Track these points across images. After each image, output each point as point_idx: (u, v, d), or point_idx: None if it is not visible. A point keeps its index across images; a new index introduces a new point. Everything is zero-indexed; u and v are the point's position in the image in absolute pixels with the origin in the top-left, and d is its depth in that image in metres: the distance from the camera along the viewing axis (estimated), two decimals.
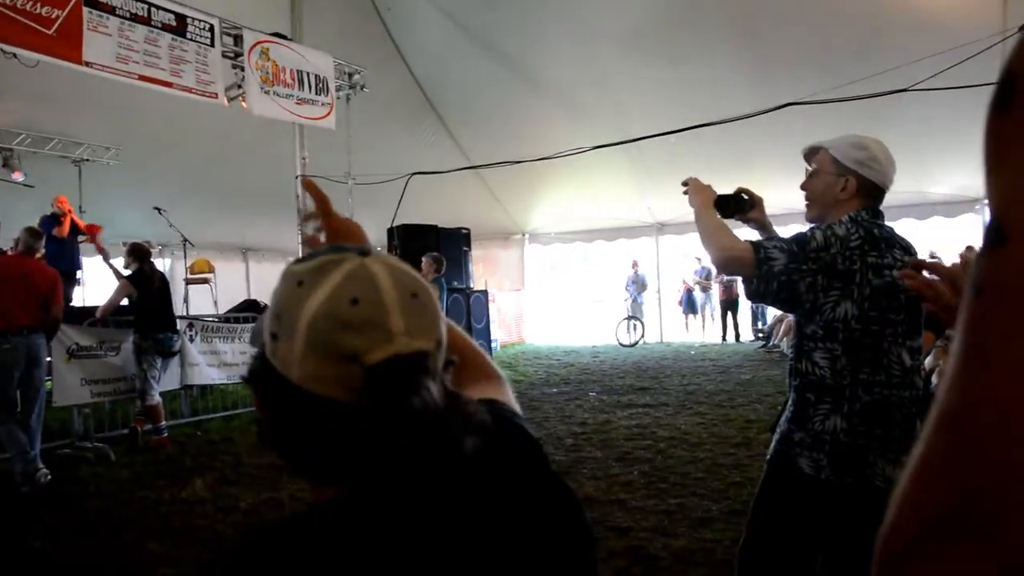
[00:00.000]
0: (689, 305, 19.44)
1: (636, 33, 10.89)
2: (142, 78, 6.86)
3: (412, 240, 12.66)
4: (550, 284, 20.80)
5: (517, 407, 1.13)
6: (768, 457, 2.46)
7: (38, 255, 6.69)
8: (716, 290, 17.69)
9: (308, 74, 8.75)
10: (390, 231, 12.87)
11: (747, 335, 16.87)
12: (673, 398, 9.44)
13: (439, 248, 12.12)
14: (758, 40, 10.50)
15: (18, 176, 11.11)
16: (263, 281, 16.87)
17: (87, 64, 6.38)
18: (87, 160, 12.09)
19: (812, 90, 8.18)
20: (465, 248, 14.77)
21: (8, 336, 6.05)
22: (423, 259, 10.05)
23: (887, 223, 2.39)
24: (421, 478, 0.76)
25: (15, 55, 6.25)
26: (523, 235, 18.53)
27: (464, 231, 14.81)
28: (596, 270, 23.60)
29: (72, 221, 10.42)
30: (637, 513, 4.95)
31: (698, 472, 5.92)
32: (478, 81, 13.01)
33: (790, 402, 2.40)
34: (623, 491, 5.48)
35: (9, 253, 6.61)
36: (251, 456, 6.80)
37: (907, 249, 2.33)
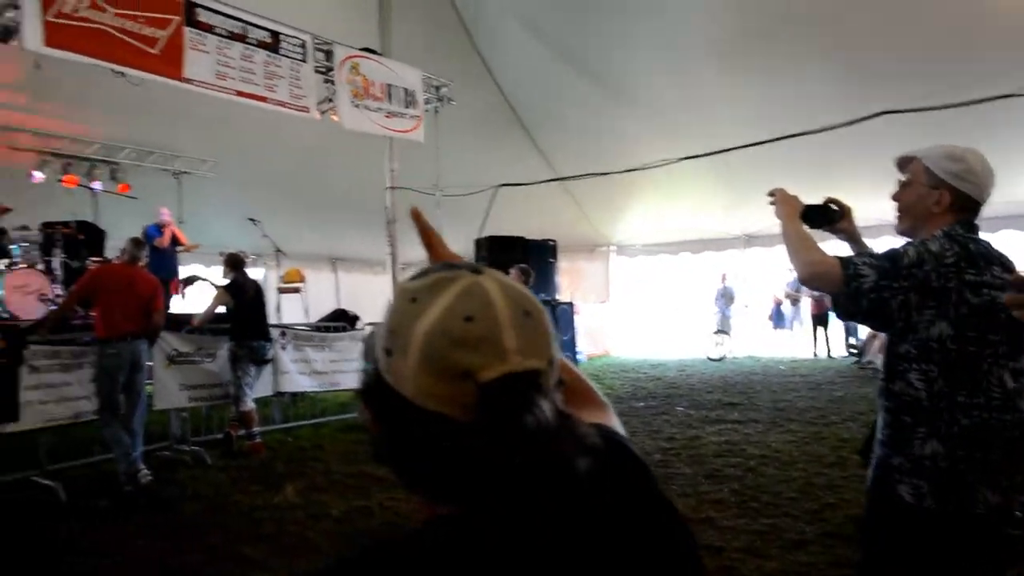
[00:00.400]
0: (778, 319, 19.00)
1: (721, 45, 10.68)
2: (240, 94, 7.09)
3: (499, 252, 12.71)
4: (636, 296, 20.58)
5: (623, 431, 1.11)
6: (867, 485, 2.34)
7: (141, 263, 6.99)
8: (806, 303, 17.22)
9: (397, 88, 8.89)
10: (477, 242, 12.97)
11: (839, 350, 16.35)
12: (763, 414, 9.22)
13: (526, 260, 12.12)
14: (847, 49, 10.16)
15: (124, 189, 11.64)
16: (352, 291, 17.19)
17: (188, 81, 6.62)
18: (186, 172, 12.58)
19: (904, 98, 7.84)
20: (551, 260, 14.76)
21: (113, 342, 6.33)
22: (511, 270, 10.02)
23: (985, 234, 2.26)
24: (535, 497, 0.76)
25: (123, 74, 6.54)
26: (608, 247, 18.45)
27: (551, 243, 14.80)
28: (683, 283, 23.24)
29: (172, 233, 10.86)
30: (728, 533, 4.83)
31: (791, 492, 5.74)
32: (564, 94, 12.96)
33: (882, 424, 2.27)
34: (713, 509, 5.36)
35: (115, 262, 6.90)
36: (341, 464, 6.92)
37: (1006, 265, 2.19)
